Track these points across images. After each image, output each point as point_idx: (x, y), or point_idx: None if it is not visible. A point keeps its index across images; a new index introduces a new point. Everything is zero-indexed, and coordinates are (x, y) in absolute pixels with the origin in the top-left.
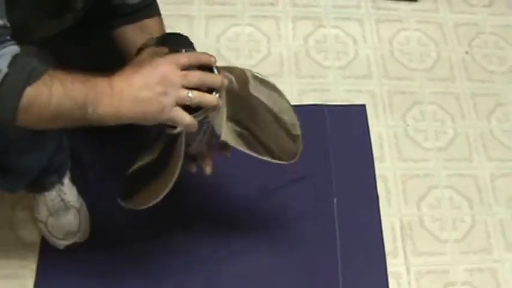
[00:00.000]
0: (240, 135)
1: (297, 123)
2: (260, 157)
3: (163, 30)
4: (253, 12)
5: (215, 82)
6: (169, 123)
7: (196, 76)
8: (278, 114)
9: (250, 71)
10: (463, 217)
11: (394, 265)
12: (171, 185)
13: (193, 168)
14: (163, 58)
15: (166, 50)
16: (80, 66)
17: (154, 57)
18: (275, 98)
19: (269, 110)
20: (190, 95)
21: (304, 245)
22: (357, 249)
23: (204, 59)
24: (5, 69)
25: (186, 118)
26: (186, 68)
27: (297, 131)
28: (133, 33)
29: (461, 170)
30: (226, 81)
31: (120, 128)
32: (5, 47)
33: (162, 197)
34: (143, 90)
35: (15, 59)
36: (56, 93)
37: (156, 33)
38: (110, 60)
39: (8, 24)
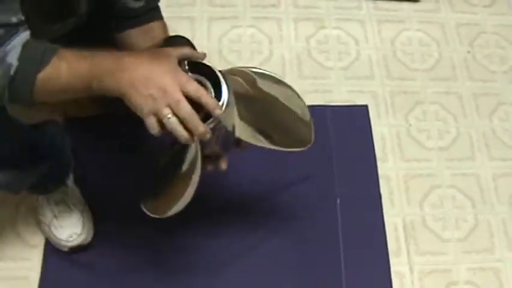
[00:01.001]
0: (257, 131)
1: (306, 108)
2: (277, 148)
3: (167, 34)
4: (255, 14)
5: (196, 130)
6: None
7: (184, 111)
8: (289, 104)
9: (248, 68)
10: (466, 216)
11: (397, 264)
12: (187, 196)
13: (209, 167)
14: (178, 72)
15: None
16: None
17: (173, 60)
18: (281, 88)
19: (281, 102)
20: (169, 117)
21: (308, 245)
22: (360, 248)
23: (209, 105)
24: (15, 63)
25: (155, 130)
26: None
27: (308, 116)
28: (137, 37)
29: (464, 170)
30: (219, 112)
31: (124, 130)
32: (14, 38)
33: (179, 206)
34: (140, 83)
35: (24, 48)
36: (64, 73)
37: (160, 37)
38: None
39: (23, 17)
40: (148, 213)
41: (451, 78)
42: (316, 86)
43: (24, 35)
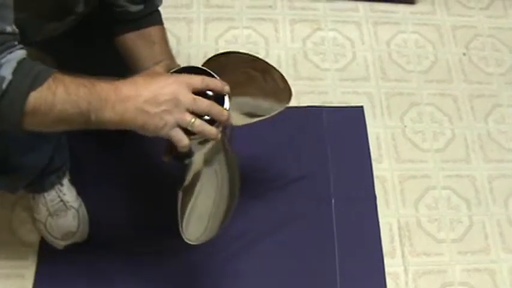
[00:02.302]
0: (243, 114)
1: (275, 69)
2: (262, 119)
3: (166, 39)
4: (251, 15)
5: (221, 116)
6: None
7: (205, 104)
8: (264, 73)
9: (222, 53)
10: (461, 218)
11: (391, 265)
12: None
13: None
14: (177, 76)
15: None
16: (80, 67)
17: (168, 73)
18: (253, 61)
19: (260, 80)
20: (193, 121)
21: (302, 246)
22: (355, 249)
23: (217, 87)
24: (9, 77)
25: (183, 141)
26: (198, 91)
27: (279, 74)
28: (135, 41)
29: (459, 171)
30: (231, 121)
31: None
32: (11, 52)
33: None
34: (150, 104)
35: (20, 64)
36: (60, 99)
37: (158, 42)
38: (111, 61)
39: (17, 31)
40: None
41: (447, 80)
42: (312, 87)
43: (21, 53)
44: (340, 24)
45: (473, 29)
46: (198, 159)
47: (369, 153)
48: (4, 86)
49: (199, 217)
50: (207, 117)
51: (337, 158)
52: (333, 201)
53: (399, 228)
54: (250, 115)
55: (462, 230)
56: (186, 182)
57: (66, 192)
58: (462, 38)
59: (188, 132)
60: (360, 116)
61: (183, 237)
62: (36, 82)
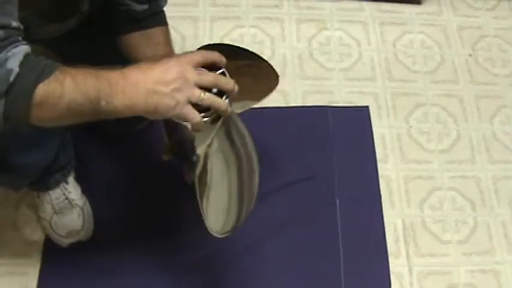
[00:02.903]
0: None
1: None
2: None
3: (169, 40)
4: (257, 14)
5: (228, 85)
6: (178, 119)
7: (211, 77)
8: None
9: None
10: (466, 219)
11: (396, 266)
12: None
13: None
14: (179, 57)
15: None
16: (83, 66)
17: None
18: (238, 53)
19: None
20: (203, 95)
21: (307, 246)
22: (360, 249)
23: (217, 59)
24: (16, 69)
25: (197, 117)
26: (200, 65)
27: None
28: (139, 41)
29: (464, 172)
30: (236, 87)
31: (125, 127)
32: (16, 46)
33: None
34: (159, 84)
35: (26, 57)
36: (68, 88)
37: (162, 43)
38: (113, 61)
39: (22, 27)
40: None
41: (453, 80)
42: (317, 87)
43: (26, 47)
44: (346, 24)
45: (479, 29)
46: (202, 151)
47: (374, 153)
48: (12, 78)
49: (218, 209)
50: (214, 90)
51: (342, 158)
52: (337, 201)
53: (404, 228)
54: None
55: (467, 231)
56: (197, 175)
57: (71, 190)
58: (468, 38)
59: (199, 112)
60: (366, 116)
61: (210, 231)
62: (43, 74)
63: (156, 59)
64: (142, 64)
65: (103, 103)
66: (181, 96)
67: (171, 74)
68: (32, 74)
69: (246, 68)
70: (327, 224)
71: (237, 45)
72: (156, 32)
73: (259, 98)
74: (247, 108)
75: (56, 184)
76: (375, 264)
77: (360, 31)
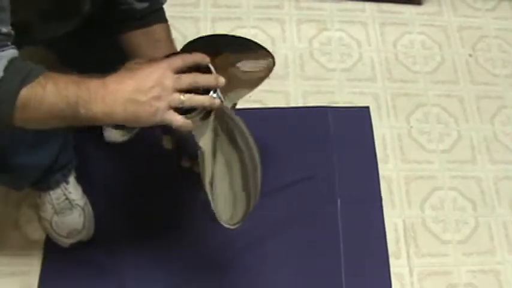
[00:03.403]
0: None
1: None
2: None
3: (170, 37)
4: (258, 15)
5: (209, 82)
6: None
7: (189, 78)
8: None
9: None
10: (466, 219)
11: (397, 266)
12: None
13: None
14: (158, 62)
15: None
16: (83, 66)
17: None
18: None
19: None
20: (182, 98)
21: (308, 246)
22: (360, 250)
23: (198, 59)
24: (0, 74)
25: (179, 121)
26: (183, 70)
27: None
28: (140, 39)
29: (465, 172)
30: (222, 80)
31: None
32: (3, 50)
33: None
34: (137, 93)
35: (11, 62)
36: (49, 93)
37: (163, 40)
38: (114, 61)
39: (13, 32)
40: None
41: (453, 81)
42: (318, 87)
43: (12, 52)
44: (347, 24)
45: (479, 30)
46: (206, 144)
47: (375, 153)
48: None
49: (225, 202)
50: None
51: (343, 158)
52: (338, 201)
53: (404, 228)
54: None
55: (468, 231)
56: (204, 168)
57: (72, 191)
58: (469, 39)
59: (186, 112)
60: (366, 117)
61: (221, 222)
62: (27, 79)
63: (136, 64)
64: (122, 72)
65: (82, 110)
66: (160, 104)
67: (149, 82)
68: (15, 78)
69: (240, 55)
70: (328, 224)
71: (230, 34)
72: (156, 29)
73: (257, 83)
74: (244, 95)
75: (57, 184)
76: (375, 264)
77: (361, 31)
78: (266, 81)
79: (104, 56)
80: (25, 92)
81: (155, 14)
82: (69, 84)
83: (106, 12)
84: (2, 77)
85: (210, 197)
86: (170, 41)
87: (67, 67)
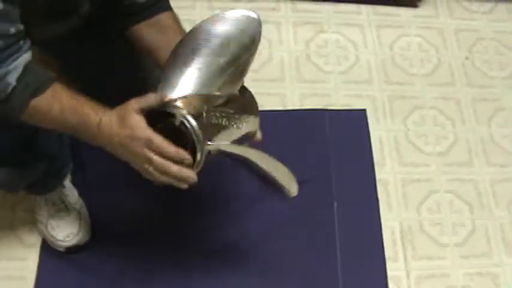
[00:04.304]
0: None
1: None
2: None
3: (178, 21)
4: None
5: (181, 159)
6: None
7: (160, 165)
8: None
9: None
10: (463, 221)
11: (394, 269)
12: None
13: None
14: (138, 138)
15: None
16: (82, 66)
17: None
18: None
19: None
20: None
21: (304, 249)
22: (357, 253)
23: (152, 103)
24: (13, 83)
25: (159, 179)
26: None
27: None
28: (146, 30)
29: (462, 175)
30: (184, 156)
31: None
32: (17, 58)
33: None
34: (118, 148)
35: (24, 72)
36: (54, 113)
37: (170, 28)
38: (112, 61)
39: (22, 27)
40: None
41: (450, 83)
42: (314, 90)
43: (26, 57)
44: (343, 27)
45: (476, 32)
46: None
47: (372, 156)
48: (9, 90)
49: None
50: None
51: (340, 161)
52: (335, 204)
53: (401, 231)
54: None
55: (465, 233)
56: None
57: (68, 194)
58: (465, 41)
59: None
60: (363, 119)
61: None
62: (37, 92)
63: (126, 110)
64: (115, 123)
65: (81, 136)
66: (136, 165)
67: (128, 149)
68: (26, 90)
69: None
70: (324, 227)
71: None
72: (162, 17)
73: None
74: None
75: (53, 187)
76: (372, 267)
77: (357, 34)
78: (263, 84)
79: (102, 56)
80: (33, 104)
81: (159, 4)
82: (71, 115)
83: (107, 10)
84: (15, 86)
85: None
86: (178, 25)
87: (66, 69)
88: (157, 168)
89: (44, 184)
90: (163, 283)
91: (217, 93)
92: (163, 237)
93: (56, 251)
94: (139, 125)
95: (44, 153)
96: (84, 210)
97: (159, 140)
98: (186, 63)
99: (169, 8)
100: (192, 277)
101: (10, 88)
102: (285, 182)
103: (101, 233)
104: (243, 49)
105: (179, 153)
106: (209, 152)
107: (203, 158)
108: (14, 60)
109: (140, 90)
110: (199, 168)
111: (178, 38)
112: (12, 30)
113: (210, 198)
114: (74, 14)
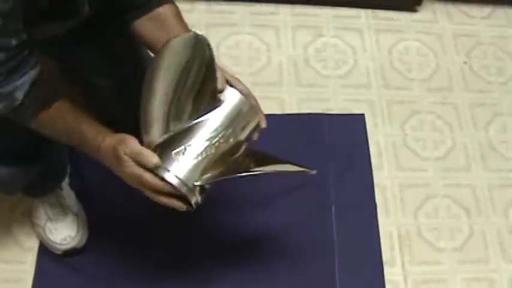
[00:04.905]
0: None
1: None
2: None
3: (177, 16)
4: (253, 21)
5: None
6: None
7: (153, 197)
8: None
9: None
10: (461, 227)
11: (391, 274)
12: None
13: None
14: (130, 175)
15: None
16: (81, 67)
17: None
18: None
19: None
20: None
21: (302, 253)
22: (355, 258)
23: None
24: (20, 97)
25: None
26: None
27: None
28: (146, 25)
29: (459, 180)
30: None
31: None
32: (25, 74)
33: None
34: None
35: (31, 88)
36: (59, 128)
37: (169, 18)
38: (118, 60)
39: (25, 37)
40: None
41: (448, 88)
42: (313, 94)
43: (33, 74)
44: (342, 31)
45: (474, 37)
46: None
47: (370, 161)
48: (16, 104)
49: None
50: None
51: (338, 166)
52: (333, 209)
53: (399, 236)
54: None
55: (462, 239)
56: None
57: (66, 197)
58: (463, 46)
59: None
60: (361, 124)
61: None
62: (42, 108)
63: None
64: (111, 157)
65: (83, 151)
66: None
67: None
68: (32, 105)
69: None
70: (322, 231)
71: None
72: (161, 10)
73: None
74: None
75: (50, 190)
76: (369, 272)
77: (356, 38)
78: (261, 88)
79: (103, 55)
80: (38, 118)
81: None
82: (72, 134)
83: (107, 10)
84: (22, 101)
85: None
86: (176, 19)
87: (65, 70)
88: (150, 196)
89: (41, 186)
90: (160, 285)
91: (193, 122)
92: (161, 240)
93: (53, 254)
94: (129, 164)
95: (42, 154)
96: (82, 213)
97: (148, 177)
98: (153, 99)
99: (169, 1)
100: (187, 281)
101: (17, 103)
102: (296, 168)
103: (99, 236)
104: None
105: (169, 191)
106: (203, 187)
107: (199, 198)
108: (21, 77)
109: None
110: (198, 204)
111: (175, 32)
112: (14, 42)
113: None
114: (74, 16)
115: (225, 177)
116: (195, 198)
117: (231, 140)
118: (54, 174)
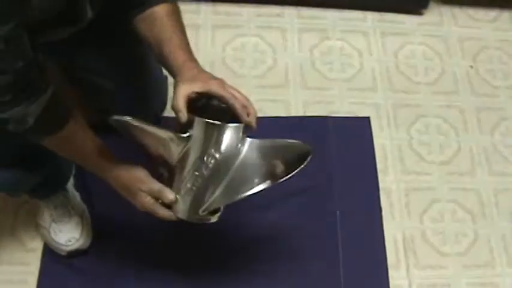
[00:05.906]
0: None
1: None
2: None
3: (175, 15)
4: (259, 23)
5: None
6: None
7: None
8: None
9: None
10: (466, 231)
11: (396, 278)
12: None
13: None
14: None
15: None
16: (81, 67)
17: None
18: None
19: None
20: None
21: (307, 257)
22: (360, 261)
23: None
24: (31, 121)
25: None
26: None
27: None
28: (140, 24)
29: (464, 184)
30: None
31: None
32: (37, 98)
33: None
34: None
35: (42, 113)
36: (68, 149)
37: (162, 20)
38: (118, 62)
39: (31, 55)
40: None
41: (454, 92)
42: (318, 97)
43: (45, 98)
44: (348, 34)
45: (480, 41)
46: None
47: (375, 164)
48: (27, 126)
49: None
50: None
51: (343, 169)
52: (337, 212)
53: (404, 240)
54: None
55: (467, 243)
56: None
57: (71, 198)
58: (469, 50)
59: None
60: (367, 127)
61: None
62: (51, 132)
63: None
64: (120, 186)
65: (90, 170)
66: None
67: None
68: (42, 129)
69: None
70: (327, 235)
71: None
72: (155, 9)
73: None
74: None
75: (55, 191)
76: (374, 276)
77: (362, 41)
78: (267, 90)
79: (102, 58)
80: (47, 140)
81: None
82: (80, 154)
83: (107, 12)
84: (32, 125)
85: None
86: (173, 18)
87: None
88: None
89: (46, 188)
90: (163, 286)
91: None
92: (165, 242)
93: (57, 255)
94: (144, 197)
95: (47, 157)
96: (87, 215)
97: (161, 213)
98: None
99: (163, 1)
100: (191, 282)
101: (28, 126)
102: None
103: (103, 237)
104: None
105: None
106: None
107: (211, 218)
108: (32, 103)
109: (140, 90)
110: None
111: (169, 28)
112: (21, 63)
113: None
114: (78, 23)
115: (229, 197)
116: (208, 220)
117: (213, 161)
118: (58, 177)
